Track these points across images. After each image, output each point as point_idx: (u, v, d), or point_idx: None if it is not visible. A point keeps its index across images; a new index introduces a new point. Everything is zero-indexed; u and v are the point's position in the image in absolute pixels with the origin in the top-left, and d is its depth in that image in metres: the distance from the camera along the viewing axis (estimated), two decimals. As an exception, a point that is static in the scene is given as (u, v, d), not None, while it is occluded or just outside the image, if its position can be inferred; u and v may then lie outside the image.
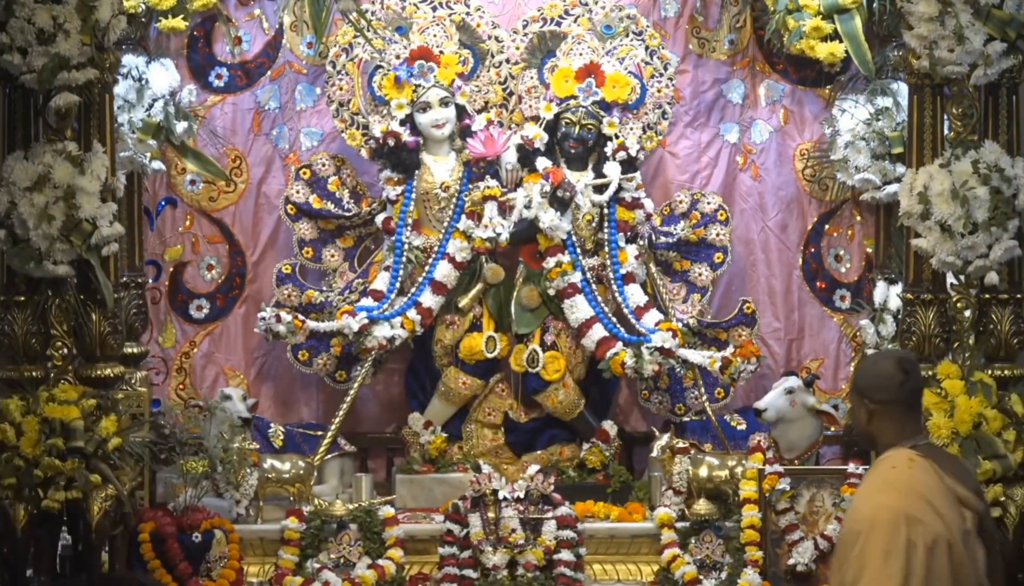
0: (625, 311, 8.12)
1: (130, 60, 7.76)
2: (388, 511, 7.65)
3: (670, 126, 8.40)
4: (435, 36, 8.23)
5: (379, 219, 8.23)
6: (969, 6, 6.87)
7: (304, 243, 8.34)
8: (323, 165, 8.37)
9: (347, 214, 8.32)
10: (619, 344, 7.98)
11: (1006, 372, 6.99)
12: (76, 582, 7.09)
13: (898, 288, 7.79)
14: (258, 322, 8.03)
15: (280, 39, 8.50)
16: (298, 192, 8.32)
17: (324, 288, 8.31)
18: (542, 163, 8.09)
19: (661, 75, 8.31)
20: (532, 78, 8.25)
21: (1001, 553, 5.27)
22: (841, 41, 7.82)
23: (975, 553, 5.07)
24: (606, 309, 8.10)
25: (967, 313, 7.08)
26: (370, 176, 8.40)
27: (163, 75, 7.97)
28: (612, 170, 8.12)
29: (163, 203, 8.46)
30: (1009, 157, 6.95)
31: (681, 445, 7.83)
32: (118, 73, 7.28)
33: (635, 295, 8.16)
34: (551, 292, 8.08)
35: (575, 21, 8.30)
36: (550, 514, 7.58)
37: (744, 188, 8.60)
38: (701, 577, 7.49)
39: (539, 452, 8.22)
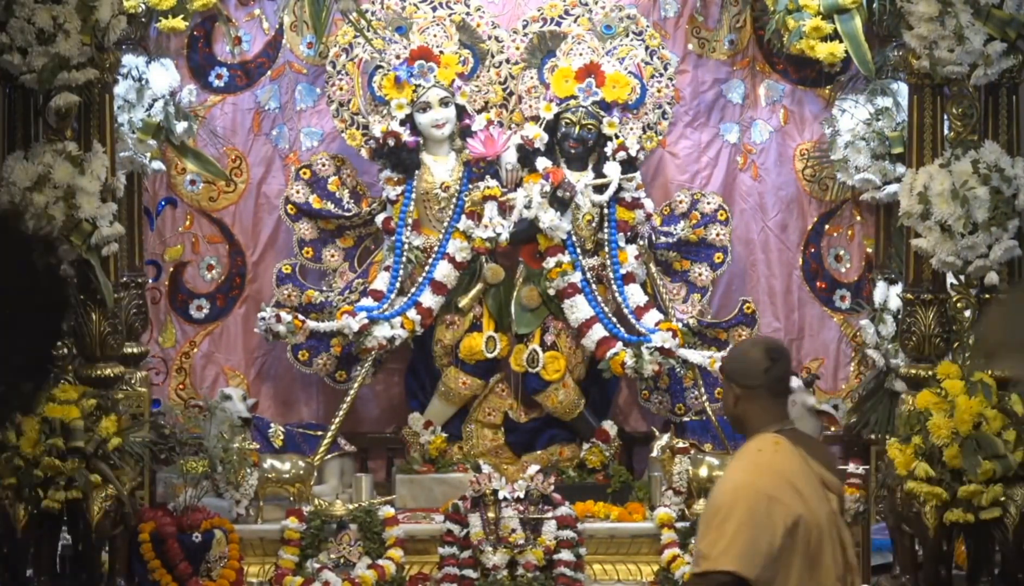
0: (625, 311, 8.12)
1: (130, 60, 7.76)
2: (388, 511, 7.65)
3: (670, 126, 8.41)
4: (435, 36, 8.23)
5: (379, 219, 8.23)
6: (969, 6, 6.86)
7: (304, 243, 8.34)
8: (323, 165, 8.37)
9: (347, 214, 8.32)
10: (619, 344, 7.98)
11: (1006, 372, 6.98)
12: (76, 582, 7.10)
13: (898, 288, 7.79)
14: (258, 322, 8.04)
15: (280, 39, 8.50)
16: (298, 192, 8.32)
17: (324, 288, 8.32)
18: (542, 163, 8.10)
19: (661, 75, 8.31)
20: (532, 78, 8.25)
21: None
22: (841, 41, 7.83)
23: (842, 534, 5.17)
24: (606, 309, 8.11)
25: (967, 313, 7.07)
26: (370, 176, 8.40)
27: (163, 75, 7.97)
28: (612, 170, 8.12)
29: (163, 203, 8.46)
30: (1009, 157, 6.94)
31: (681, 445, 7.83)
32: (118, 73, 7.28)
33: (635, 295, 8.16)
34: (551, 292, 8.08)
35: (575, 21, 8.30)
36: (550, 514, 7.59)
37: (744, 188, 8.60)
38: (701, 577, 7.48)
39: (539, 452, 8.22)
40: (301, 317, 8.00)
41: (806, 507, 5.07)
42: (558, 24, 8.31)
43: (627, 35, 8.29)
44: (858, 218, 8.57)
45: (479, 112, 8.26)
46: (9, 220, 5.57)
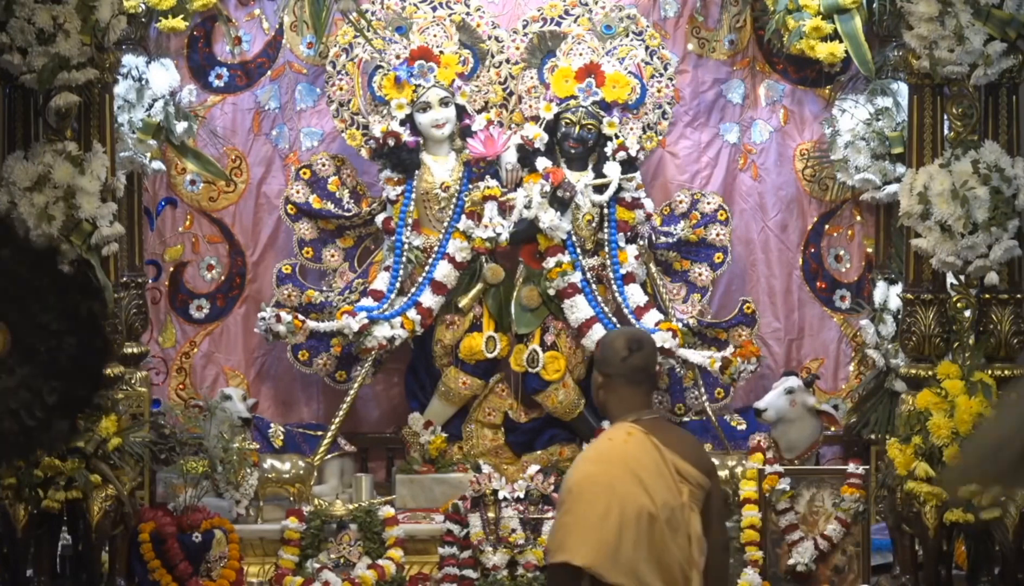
0: (625, 311, 8.12)
1: (130, 60, 7.76)
2: (388, 511, 7.65)
3: (670, 126, 8.41)
4: (435, 36, 8.23)
5: (379, 219, 8.23)
6: (969, 6, 6.87)
7: (304, 243, 8.34)
8: (323, 165, 8.37)
9: (347, 214, 8.32)
10: (619, 344, 7.97)
11: (1006, 372, 6.98)
12: (76, 582, 7.09)
13: (898, 288, 7.79)
14: (258, 322, 8.04)
15: (280, 39, 8.50)
16: (298, 192, 8.32)
17: (324, 288, 8.32)
18: (542, 163, 8.10)
19: (661, 75, 8.31)
20: (532, 78, 8.25)
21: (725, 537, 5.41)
22: (841, 41, 7.83)
23: (687, 527, 5.22)
24: (606, 309, 8.11)
25: (967, 313, 7.07)
26: (370, 176, 8.41)
27: (163, 75, 7.97)
28: (612, 170, 8.12)
29: (163, 203, 8.46)
30: (1009, 157, 6.94)
31: (681, 445, 7.82)
32: (118, 73, 7.28)
33: (635, 295, 8.16)
34: (551, 292, 8.08)
35: (575, 21, 8.30)
36: (550, 514, 7.58)
37: (744, 188, 8.60)
38: (701, 577, 7.48)
39: (539, 452, 8.21)
40: (301, 317, 8.00)
41: (649, 498, 5.16)
42: (558, 24, 8.31)
43: (627, 35, 8.30)
44: (858, 218, 8.57)
45: (479, 112, 8.26)
46: (46, 255, 5.59)
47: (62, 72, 6.75)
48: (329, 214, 8.31)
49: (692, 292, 8.36)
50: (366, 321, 7.94)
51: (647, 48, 8.31)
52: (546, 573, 5.26)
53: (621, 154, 8.11)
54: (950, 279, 7.15)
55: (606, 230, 8.16)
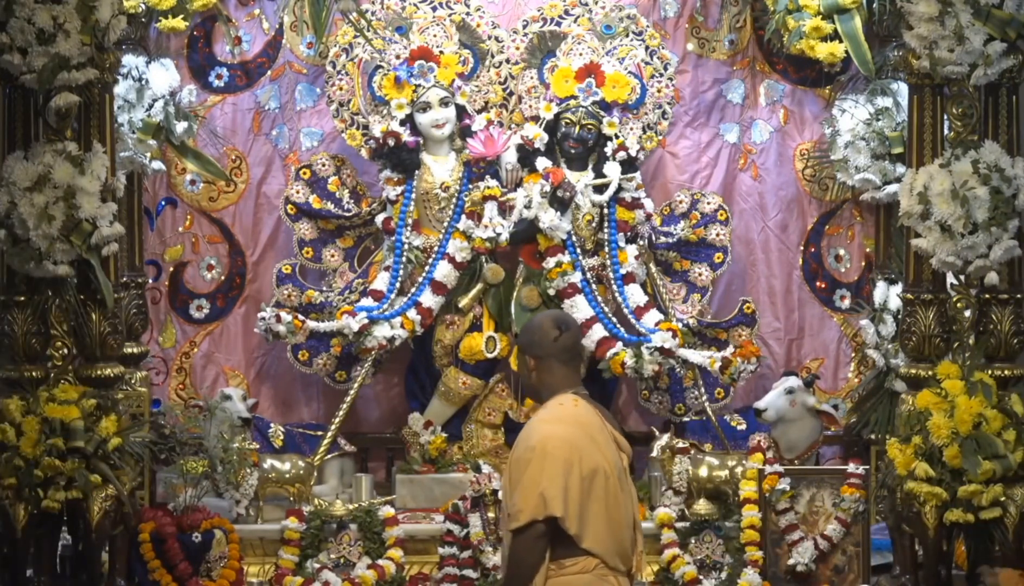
0: (625, 311, 8.12)
1: (130, 60, 7.76)
2: (388, 511, 7.65)
3: (670, 126, 8.41)
4: (435, 36, 8.23)
5: (379, 219, 8.23)
6: (969, 6, 6.86)
7: (304, 243, 8.34)
8: (323, 165, 8.37)
9: (347, 214, 8.32)
10: (619, 344, 7.98)
11: (1006, 372, 6.98)
12: (76, 582, 7.10)
13: (898, 288, 7.79)
14: (258, 322, 8.04)
15: (280, 39, 8.50)
16: (298, 192, 8.32)
17: (324, 288, 8.32)
18: (542, 163, 8.10)
19: (661, 75, 8.31)
20: (532, 78, 8.26)
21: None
22: (841, 41, 7.83)
23: (630, 490, 5.69)
24: (606, 309, 8.11)
25: (967, 313, 7.07)
26: (370, 176, 8.41)
27: (163, 75, 7.97)
28: (612, 170, 8.12)
29: (163, 203, 8.46)
30: (1009, 157, 6.94)
31: (681, 445, 7.83)
32: (118, 73, 7.27)
33: (635, 295, 8.16)
34: (551, 292, 8.09)
35: (575, 21, 8.31)
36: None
37: (744, 188, 8.60)
38: (701, 577, 7.50)
39: (539, 452, 8.20)
40: (301, 317, 8.00)
41: (602, 456, 5.52)
42: (558, 24, 8.31)
43: (627, 35, 8.30)
44: (858, 218, 8.57)
45: (479, 112, 8.26)
46: None
47: (62, 72, 6.75)
48: (329, 214, 8.31)
49: (692, 292, 8.36)
50: (366, 321, 7.94)
51: (647, 48, 8.31)
52: (516, 537, 5.45)
53: (621, 154, 8.11)
54: (950, 279, 7.15)
55: (606, 230, 8.16)
